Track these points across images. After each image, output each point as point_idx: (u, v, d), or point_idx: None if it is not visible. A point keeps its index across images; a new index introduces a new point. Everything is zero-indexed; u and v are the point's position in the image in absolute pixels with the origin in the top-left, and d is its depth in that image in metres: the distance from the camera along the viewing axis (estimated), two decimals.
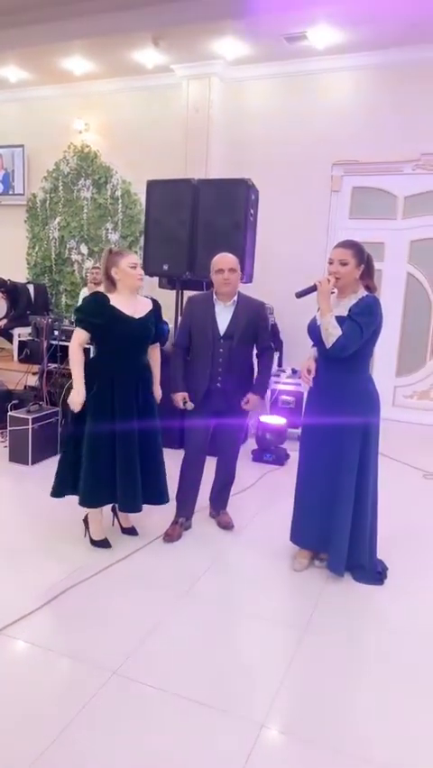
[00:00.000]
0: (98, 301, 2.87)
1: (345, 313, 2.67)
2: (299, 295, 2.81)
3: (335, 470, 2.75)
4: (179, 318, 4.81)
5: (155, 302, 3.08)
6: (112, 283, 2.89)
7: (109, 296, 2.87)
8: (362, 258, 2.69)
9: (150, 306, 2.99)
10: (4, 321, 6.83)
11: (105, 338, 2.89)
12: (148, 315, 2.95)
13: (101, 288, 2.96)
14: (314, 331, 2.80)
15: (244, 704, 2.02)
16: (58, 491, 2.98)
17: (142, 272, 2.92)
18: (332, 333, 2.60)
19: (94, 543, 3.07)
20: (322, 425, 2.78)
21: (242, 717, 1.96)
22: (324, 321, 2.65)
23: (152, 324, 2.98)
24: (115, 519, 3.26)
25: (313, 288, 2.73)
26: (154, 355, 3.12)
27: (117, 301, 2.86)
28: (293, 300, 2.88)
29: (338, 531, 2.76)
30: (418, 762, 1.82)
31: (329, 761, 1.81)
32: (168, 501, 3.09)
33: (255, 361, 3.29)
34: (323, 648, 2.36)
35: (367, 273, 2.75)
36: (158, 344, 3.14)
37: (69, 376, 2.93)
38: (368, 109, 5.71)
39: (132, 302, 2.91)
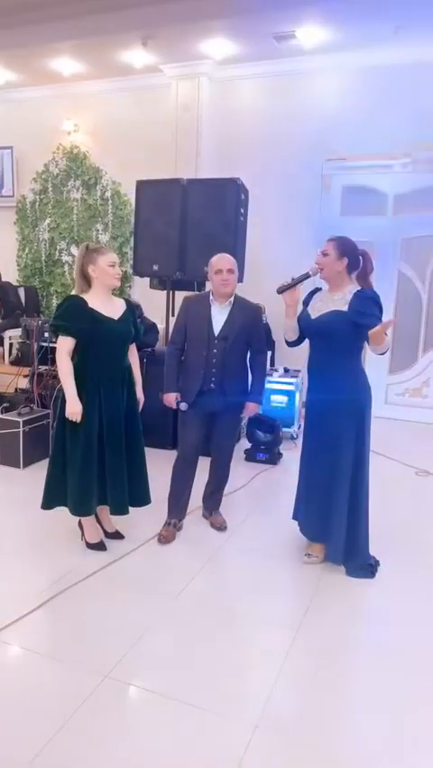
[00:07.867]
0: (77, 305, 2.76)
1: (344, 308, 2.69)
2: (301, 279, 2.81)
3: (332, 454, 2.80)
4: (171, 318, 4.80)
5: (129, 302, 3.01)
6: (87, 282, 2.81)
7: (84, 297, 2.78)
8: (344, 252, 2.71)
9: (124, 306, 2.92)
10: None
11: (89, 343, 2.79)
12: (125, 314, 2.89)
13: (73, 291, 2.87)
14: (310, 325, 2.80)
15: (237, 705, 2.01)
16: (47, 503, 2.96)
17: (120, 272, 2.85)
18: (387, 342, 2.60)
19: (90, 546, 3.05)
20: (320, 409, 2.85)
21: (235, 719, 1.94)
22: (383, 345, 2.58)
23: (131, 325, 2.93)
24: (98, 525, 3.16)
25: (306, 276, 2.79)
26: (134, 357, 3.05)
27: (94, 303, 2.77)
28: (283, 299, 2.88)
29: (336, 518, 2.80)
30: (414, 758, 1.82)
31: (324, 760, 1.80)
32: (150, 502, 3.07)
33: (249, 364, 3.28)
34: (317, 647, 2.35)
35: (360, 273, 2.77)
36: (134, 344, 3.06)
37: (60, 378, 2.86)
38: (357, 108, 5.72)
39: (108, 303, 2.84)
